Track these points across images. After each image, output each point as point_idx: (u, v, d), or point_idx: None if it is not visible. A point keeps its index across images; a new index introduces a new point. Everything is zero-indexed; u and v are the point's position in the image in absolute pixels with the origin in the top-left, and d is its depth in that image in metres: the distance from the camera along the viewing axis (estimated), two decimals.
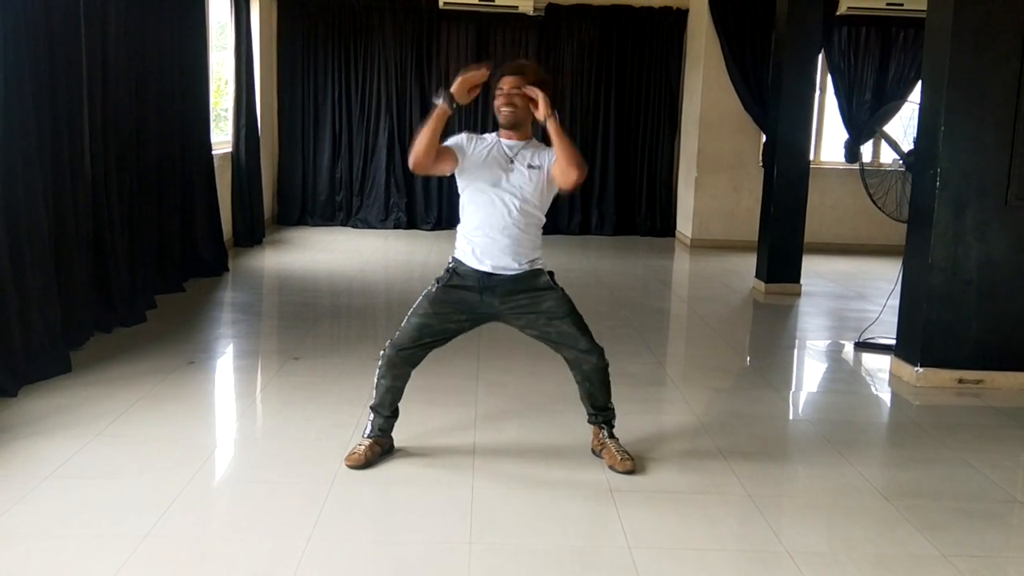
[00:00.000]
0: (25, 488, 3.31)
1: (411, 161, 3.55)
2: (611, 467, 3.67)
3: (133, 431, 3.95)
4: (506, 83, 3.56)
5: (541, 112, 3.45)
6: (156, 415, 4.16)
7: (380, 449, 3.70)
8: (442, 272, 3.68)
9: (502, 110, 3.57)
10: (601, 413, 3.81)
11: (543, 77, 3.57)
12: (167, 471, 3.53)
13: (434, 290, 3.63)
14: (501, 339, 5.41)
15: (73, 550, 2.90)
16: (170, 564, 2.85)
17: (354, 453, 3.64)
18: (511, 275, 3.58)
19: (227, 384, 5.03)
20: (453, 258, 3.68)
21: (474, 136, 3.67)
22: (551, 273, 3.68)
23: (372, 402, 3.75)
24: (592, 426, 3.86)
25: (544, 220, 3.70)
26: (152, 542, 2.96)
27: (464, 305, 3.61)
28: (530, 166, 3.56)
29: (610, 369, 3.73)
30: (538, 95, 3.44)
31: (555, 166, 3.51)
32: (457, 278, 3.62)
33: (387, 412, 3.73)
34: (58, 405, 4.21)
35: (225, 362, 5.33)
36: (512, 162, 3.57)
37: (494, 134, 3.68)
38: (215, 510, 3.32)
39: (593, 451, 3.84)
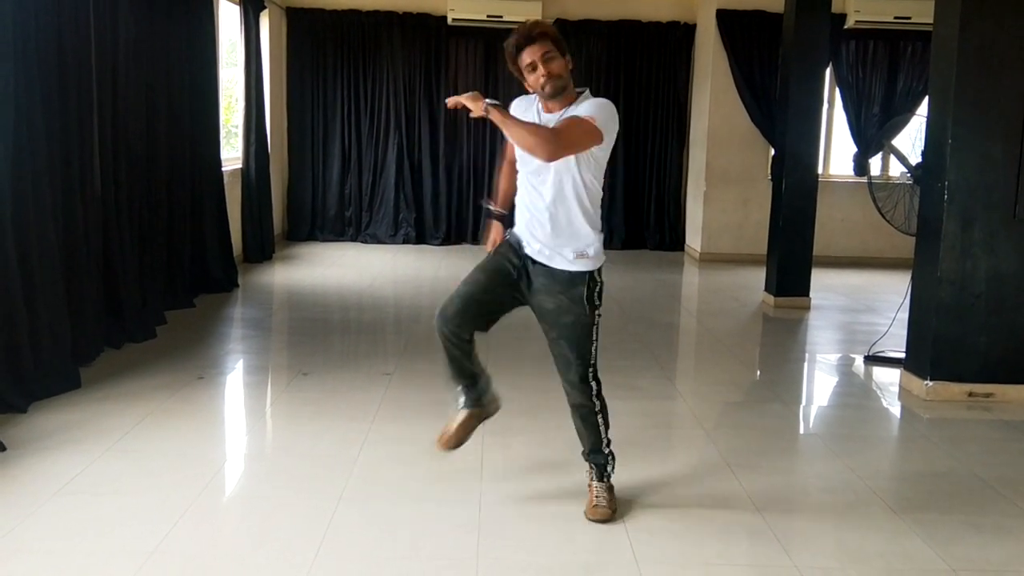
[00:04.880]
0: (34, 503, 3.32)
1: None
2: (585, 512, 3.39)
3: (142, 446, 3.97)
4: (531, 55, 3.15)
5: (475, 112, 3.07)
6: (165, 430, 4.18)
7: (476, 422, 3.54)
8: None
9: (546, 86, 3.16)
10: (591, 456, 3.45)
11: (555, 33, 3.22)
12: (176, 486, 3.54)
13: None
14: (510, 355, 5.43)
15: (81, 565, 2.91)
16: None
17: (444, 434, 3.48)
18: (550, 269, 3.26)
19: (236, 399, 5.05)
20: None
21: (522, 105, 3.33)
22: (596, 283, 3.28)
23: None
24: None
25: (598, 192, 3.29)
26: (160, 558, 2.97)
27: (505, 272, 3.33)
28: None
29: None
30: (460, 104, 3.09)
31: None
32: (506, 247, 3.36)
33: (465, 381, 3.50)
34: (67, 421, 4.22)
35: (234, 377, 5.34)
36: None
37: (534, 98, 3.32)
38: (224, 526, 3.32)
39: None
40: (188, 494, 3.46)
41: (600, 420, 3.41)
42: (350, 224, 10.89)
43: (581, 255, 3.25)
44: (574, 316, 3.26)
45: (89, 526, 3.19)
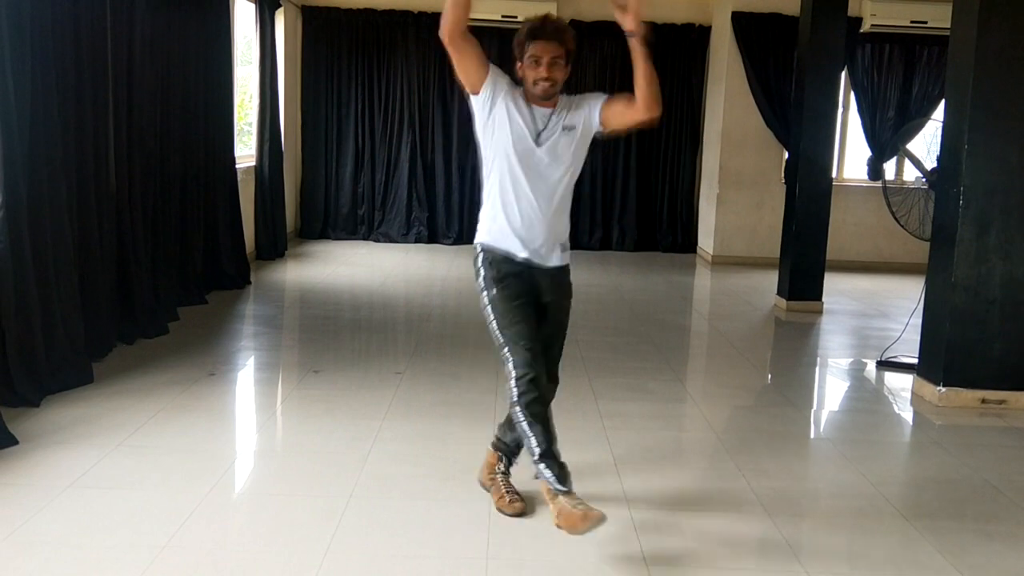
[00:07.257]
0: (46, 497, 3.34)
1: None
2: (499, 509, 3.36)
3: (154, 442, 3.98)
4: (543, 51, 3.09)
5: (631, 23, 2.96)
6: (177, 426, 4.19)
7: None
8: (479, 277, 3.25)
9: (540, 84, 3.11)
10: (510, 447, 3.45)
11: (574, 44, 3.17)
12: (187, 482, 3.55)
13: (495, 294, 3.18)
14: None
15: (92, 560, 2.92)
16: (188, 575, 2.87)
17: (572, 515, 2.96)
18: (550, 269, 3.22)
19: (247, 396, 5.06)
20: (480, 247, 3.25)
21: (512, 87, 3.21)
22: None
23: (539, 450, 3.10)
24: (491, 451, 3.51)
25: (575, 178, 3.25)
26: (171, 553, 2.97)
27: (527, 289, 3.20)
28: (564, 128, 3.16)
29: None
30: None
31: (625, 104, 3.17)
32: (499, 268, 3.19)
33: (555, 450, 3.15)
34: (80, 416, 4.24)
35: (246, 374, 5.36)
36: (542, 134, 3.15)
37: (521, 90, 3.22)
38: (234, 522, 3.33)
39: (480, 482, 3.51)
40: (199, 490, 3.47)
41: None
42: (362, 223, 10.92)
43: (565, 248, 3.29)
44: (566, 311, 3.34)
45: (101, 521, 3.20)
